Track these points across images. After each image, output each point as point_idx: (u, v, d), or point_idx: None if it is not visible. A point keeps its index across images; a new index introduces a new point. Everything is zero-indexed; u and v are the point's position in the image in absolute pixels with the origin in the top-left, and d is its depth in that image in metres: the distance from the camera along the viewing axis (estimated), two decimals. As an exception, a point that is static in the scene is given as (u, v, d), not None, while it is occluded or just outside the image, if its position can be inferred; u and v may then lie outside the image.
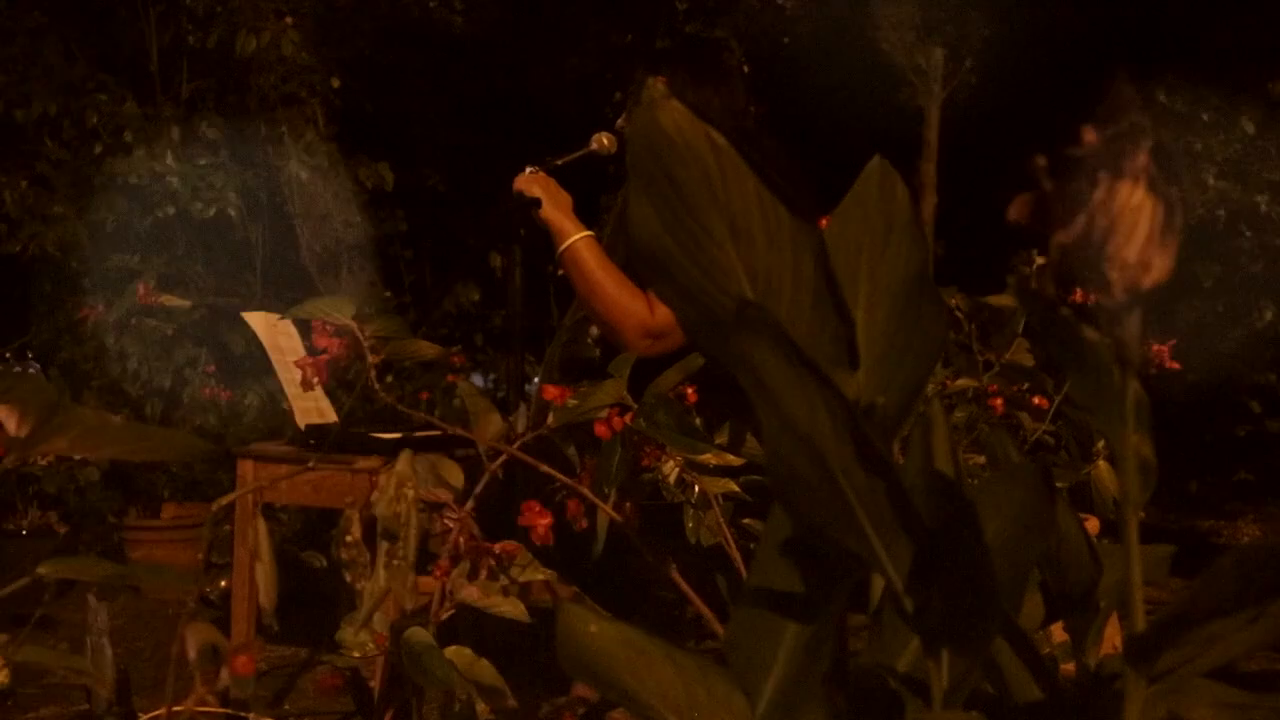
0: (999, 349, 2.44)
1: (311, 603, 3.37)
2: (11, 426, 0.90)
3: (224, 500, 0.98)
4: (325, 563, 2.32)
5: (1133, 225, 0.52)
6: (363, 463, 2.23)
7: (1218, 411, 6.31)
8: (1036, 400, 2.33)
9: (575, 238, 2.35)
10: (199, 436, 4.47)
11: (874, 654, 0.78)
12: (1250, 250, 6.37)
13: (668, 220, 0.70)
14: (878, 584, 0.84)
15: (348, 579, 1.01)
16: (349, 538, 1.01)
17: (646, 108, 0.70)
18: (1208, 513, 5.87)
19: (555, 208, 2.39)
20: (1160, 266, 0.52)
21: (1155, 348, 2.49)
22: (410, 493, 1.02)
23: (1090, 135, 0.55)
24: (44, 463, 4.21)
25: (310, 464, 1.03)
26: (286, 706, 2.92)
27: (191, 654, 0.66)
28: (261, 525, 0.96)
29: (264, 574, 0.94)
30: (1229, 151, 6.38)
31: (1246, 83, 6.32)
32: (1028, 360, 2.39)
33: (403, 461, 1.04)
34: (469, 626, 1.68)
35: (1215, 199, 6.29)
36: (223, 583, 3.71)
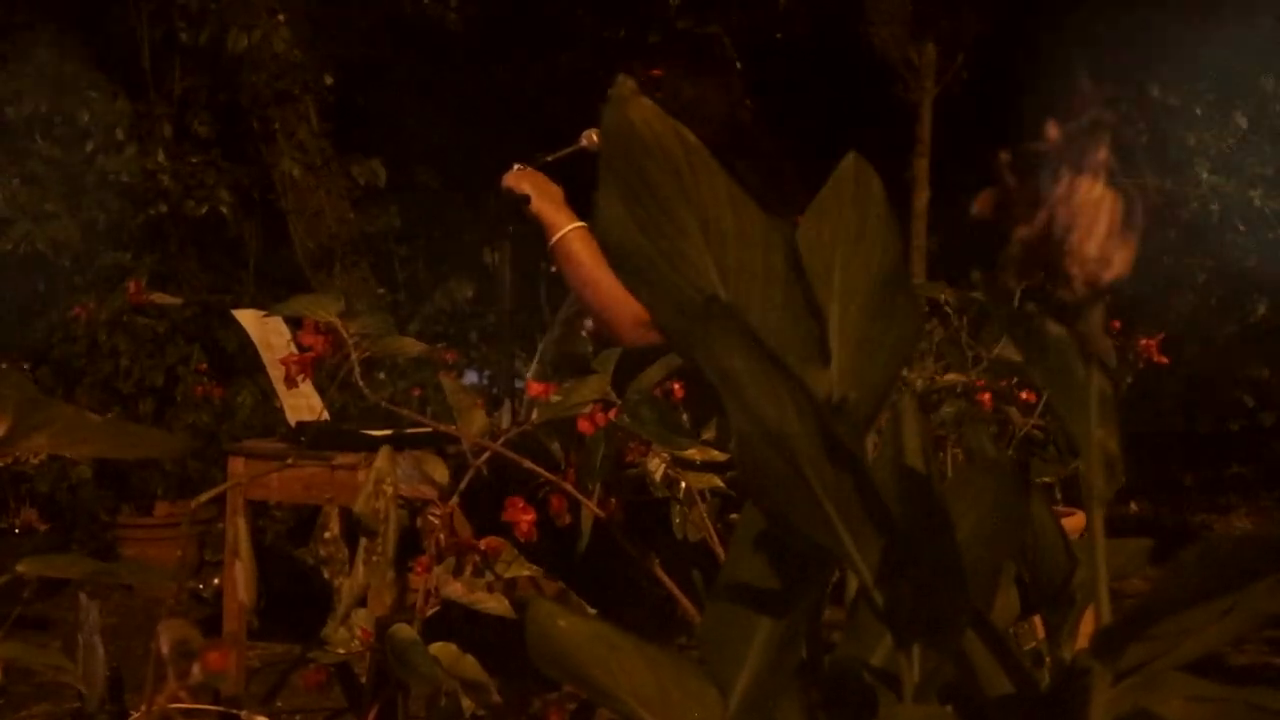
0: (988, 344, 2.44)
1: (305, 600, 3.37)
2: (-10, 424, 0.90)
3: (204, 497, 0.98)
4: (318, 563, 2.32)
5: (1093, 220, 0.52)
6: (342, 458, 2.22)
7: (1211, 406, 6.32)
8: (1025, 395, 2.33)
9: (567, 229, 2.32)
10: (192, 434, 4.47)
11: (848, 648, 0.78)
12: (1243, 244, 6.38)
13: (638, 216, 0.70)
14: (854, 578, 0.84)
15: (326, 575, 1.01)
16: (327, 534, 1.01)
17: (616, 103, 0.70)
18: (1201, 507, 5.88)
19: (545, 201, 2.35)
20: (1121, 261, 0.53)
21: (1144, 341, 2.50)
22: (389, 489, 1.02)
23: (1053, 130, 0.55)
24: (35, 461, 4.21)
25: (289, 460, 1.03)
26: (279, 704, 2.93)
27: (165, 649, 0.66)
28: (241, 523, 0.96)
29: (243, 571, 0.94)
30: (1222, 146, 6.38)
31: (1240, 77, 6.33)
32: (1016, 355, 2.39)
33: (382, 457, 1.04)
34: (461, 622, 1.68)
35: (1208, 193, 6.29)
36: (215, 580, 3.71)
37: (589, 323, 2.52)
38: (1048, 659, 0.95)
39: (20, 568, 0.92)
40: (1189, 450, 6.24)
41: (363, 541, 1.02)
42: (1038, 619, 1.02)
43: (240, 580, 0.94)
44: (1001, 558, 0.76)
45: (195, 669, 0.66)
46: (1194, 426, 6.27)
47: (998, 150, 0.57)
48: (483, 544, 1.29)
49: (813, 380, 0.71)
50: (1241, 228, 6.36)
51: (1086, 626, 0.93)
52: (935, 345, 2.76)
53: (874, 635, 0.77)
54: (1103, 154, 0.54)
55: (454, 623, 1.53)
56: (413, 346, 1.36)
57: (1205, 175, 6.32)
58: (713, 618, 0.75)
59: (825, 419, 0.62)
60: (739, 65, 2.72)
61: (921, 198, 6.50)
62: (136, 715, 1.32)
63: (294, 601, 3.41)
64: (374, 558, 1.02)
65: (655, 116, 0.70)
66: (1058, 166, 0.55)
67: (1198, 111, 6.39)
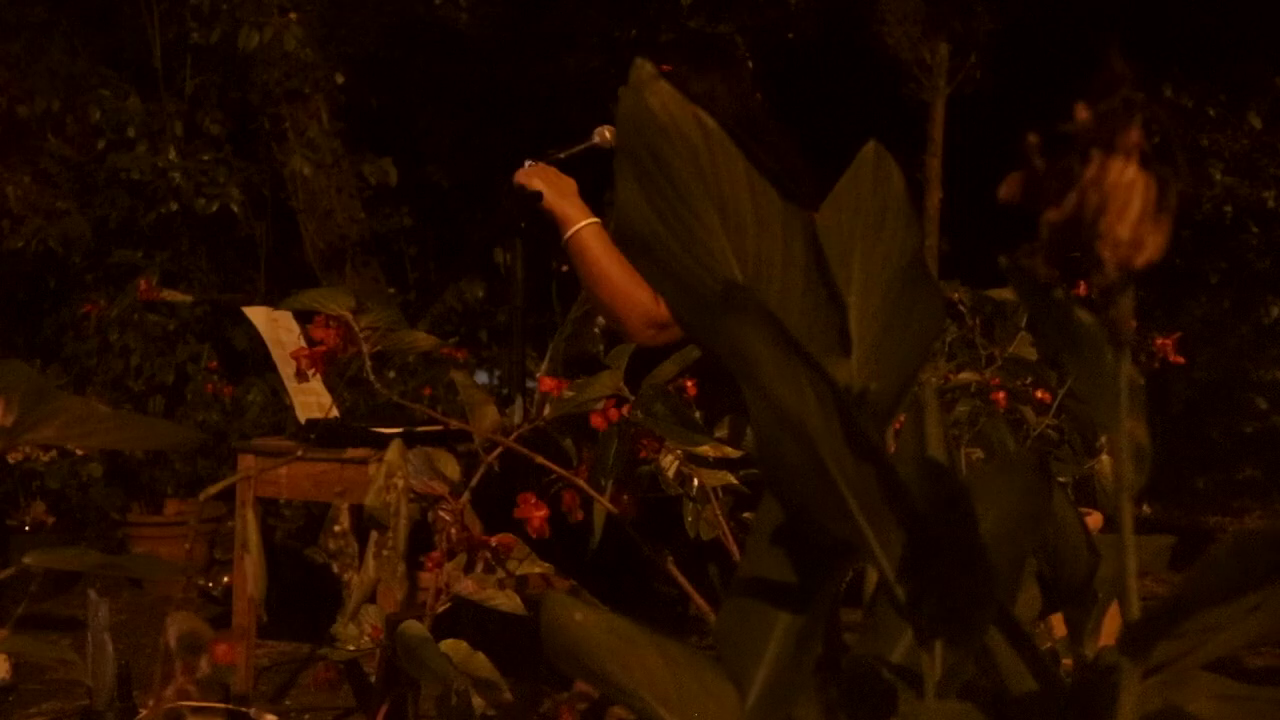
0: (1002, 343, 2.43)
1: (314, 598, 3.36)
2: (-2, 415, 0.89)
3: (212, 489, 0.97)
4: (328, 558, 2.31)
5: (1125, 202, 0.51)
6: (352, 452, 2.21)
7: (1224, 408, 6.29)
8: (1039, 394, 2.31)
9: (580, 225, 2.31)
10: (200, 432, 4.46)
11: (867, 645, 0.77)
12: (1257, 246, 6.35)
13: (655, 203, 0.69)
14: (873, 576, 0.83)
15: (335, 570, 1.00)
16: (337, 528, 1.00)
17: (633, 89, 0.68)
18: (1214, 509, 5.85)
19: (559, 196, 2.34)
20: (1154, 244, 0.51)
21: (1160, 341, 2.48)
22: (400, 482, 1.00)
23: (1082, 111, 0.54)
24: (46, 458, 4.21)
25: (299, 454, 1.02)
26: (288, 702, 2.92)
27: (172, 642, 0.65)
28: (251, 517, 0.95)
29: (252, 565, 0.93)
30: (1236, 147, 6.36)
31: (1254, 77, 6.30)
32: (1030, 354, 2.38)
33: (393, 451, 1.03)
34: (471, 620, 1.67)
35: (1222, 194, 6.27)
36: (225, 578, 3.71)
37: (601, 320, 2.51)
38: (1066, 658, 0.93)
39: (28, 560, 0.91)
40: (1202, 453, 6.21)
41: (373, 535, 1.01)
42: (1053, 618, 1.00)
43: (250, 574, 0.93)
44: (1025, 553, 0.74)
45: (203, 662, 0.65)
46: (1207, 429, 6.25)
47: (1012, 146, 0.56)
48: (494, 541, 1.28)
49: (834, 370, 0.70)
50: (1255, 229, 6.33)
51: (1108, 626, 0.92)
52: (948, 345, 2.74)
53: (893, 631, 0.76)
54: (1135, 135, 0.52)
55: (463, 621, 1.51)
56: (424, 341, 1.35)
57: (1219, 176, 6.29)
58: (730, 613, 0.74)
59: (847, 409, 0.60)
60: (750, 64, 2.71)
61: (934, 198, 6.48)
62: (145, 711, 1.31)
63: (303, 600, 3.41)
64: (384, 552, 1.01)
65: (673, 101, 0.68)
66: (1088, 148, 0.53)
67: (1211, 113, 6.36)
